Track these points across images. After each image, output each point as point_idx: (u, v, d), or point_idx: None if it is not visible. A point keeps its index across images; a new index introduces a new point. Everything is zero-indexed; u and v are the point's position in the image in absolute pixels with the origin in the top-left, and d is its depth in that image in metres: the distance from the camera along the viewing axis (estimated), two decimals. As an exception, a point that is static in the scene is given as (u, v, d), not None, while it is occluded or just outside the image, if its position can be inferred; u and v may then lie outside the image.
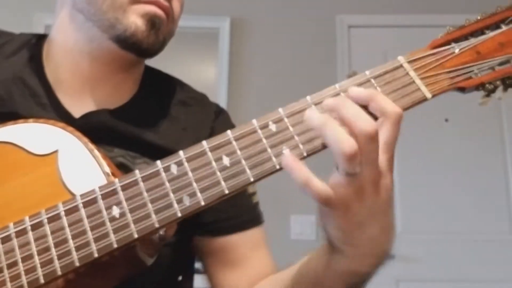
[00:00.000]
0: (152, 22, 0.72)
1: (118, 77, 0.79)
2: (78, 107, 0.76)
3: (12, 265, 0.55)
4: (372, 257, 0.57)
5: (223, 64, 2.86)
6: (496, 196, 2.64)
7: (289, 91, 2.69)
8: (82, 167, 0.60)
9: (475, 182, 2.64)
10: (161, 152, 0.59)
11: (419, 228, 2.60)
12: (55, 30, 0.80)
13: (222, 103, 2.70)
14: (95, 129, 0.67)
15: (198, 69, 3.23)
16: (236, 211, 0.80)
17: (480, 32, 0.59)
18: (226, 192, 0.53)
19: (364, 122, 0.49)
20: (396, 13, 2.90)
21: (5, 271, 0.54)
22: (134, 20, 0.71)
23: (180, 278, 0.85)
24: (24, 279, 0.54)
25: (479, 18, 0.60)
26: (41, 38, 0.83)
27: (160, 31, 0.73)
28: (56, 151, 0.61)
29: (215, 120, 0.85)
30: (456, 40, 0.59)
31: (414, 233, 2.59)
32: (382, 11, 2.91)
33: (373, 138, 0.49)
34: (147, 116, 0.79)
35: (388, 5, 2.93)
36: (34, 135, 0.63)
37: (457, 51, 0.58)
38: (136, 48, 0.74)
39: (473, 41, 0.59)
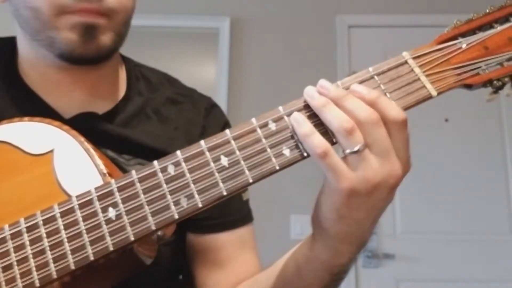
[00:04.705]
0: (84, 32, 0.67)
1: (91, 77, 0.76)
2: (65, 108, 0.74)
3: (7, 268, 0.54)
4: (351, 245, 0.58)
5: (223, 64, 2.85)
6: (496, 196, 2.63)
7: (289, 91, 2.67)
8: (78, 166, 0.59)
9: (475, 182, 2.63)
10: (154, 154, 0.59)
11: (419, 228, 2.60)
12: (18, 42, 0.77)
13: (222, 103, 2.70)
14: (85, 133, 0.64)
15: (198, 69, 3.23)
16: (227, 209, 0.79)
17: (488, 26, 0.57)
18: (225, 193, 0.52)
19: (364, 111, 0.51)
20: (396, 13, 2.89)
21: (0, 275, 0.54)
22: (66, 35, 0.67)
23: (180, 277, 0.85)
24: (19, 283, 0.53)
25: (488, 11, 0.57)
26: (14, 42, 0.79)
27: (98, 36, 0.68)
28: (51, 151, 0.60)
29: (206, 117, 0.84)
30: (464, 34, 0.57)
31: (414, 233, 2.59)
32: (382, 11, 2.91)
33: (377, 123, 0.51)
34: (137, 118, 0.78)
35: (388, 5, 2.92)
36: (29, 134, 0.62)
37: (464, 46, 0.56)
38: (83, 60, 0.70)
39: (481, 35, 0.57)
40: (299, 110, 0.54)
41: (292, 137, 0.53)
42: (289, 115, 0.54)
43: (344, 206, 0.53)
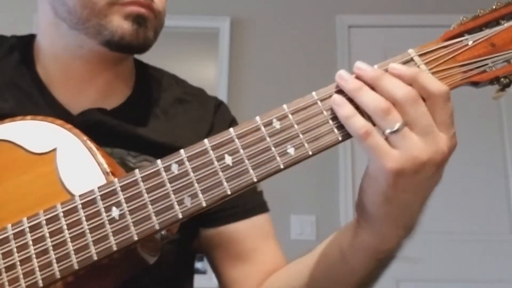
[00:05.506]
0: (137, 21, 0.71)
1: (110, 73, 0.78)
2: (75, 105, 0.75)
3: (10, 268, 0.54)
4: (400, 229, 0.58)
5: (223, 64, 2.85)
6: (496, 196, 2.63)
7: (289, 91, 2.68)
8: (81, 165, 0.58)
9: (475, 182, 2.63)
10: (162, 150, 0.59)
11: (419, 228, 2.59)
12: (41, 35, 0.79)
13: (222, 103, 2.69)
14: (93, 128, 0.66)
15: (198, 69, 3.22)
16: (240, 199, 0.76)
17: (495, 22, 0.56)
18: (229, 193, 0.52)
19: (401, 90, 0.51)
20: (396, 13, 2.89)
21: (3, 274, 0.53)
22: (119, 23, 0.70)
23: (181, 277, 0.84)
24: (22, 283, 0.53)
25: (494, 7, 0.56)
26: (30, 39, 0.82)
27: (147, 28, 0.72)
28: (54, 149, 0.60)
29: (214, 114, 0.84)
30: (470, 31, 0.56)
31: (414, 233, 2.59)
32: (382, 11, 2.91)
33: (416, 102, 0.51)
34: (145, 116, 0.79)
35: (388, 5, 2.92)
36: (32, 132, 0.62)
37: (470, 43, 0.56)
38: (128, 48, 0.73)
39: (487, 32, 0.56)
40: (303, 109, 0.54)
41: (297, 135, 0.53)
42: (294, 113, 0.54)
43: (391, 187, 0.52)
